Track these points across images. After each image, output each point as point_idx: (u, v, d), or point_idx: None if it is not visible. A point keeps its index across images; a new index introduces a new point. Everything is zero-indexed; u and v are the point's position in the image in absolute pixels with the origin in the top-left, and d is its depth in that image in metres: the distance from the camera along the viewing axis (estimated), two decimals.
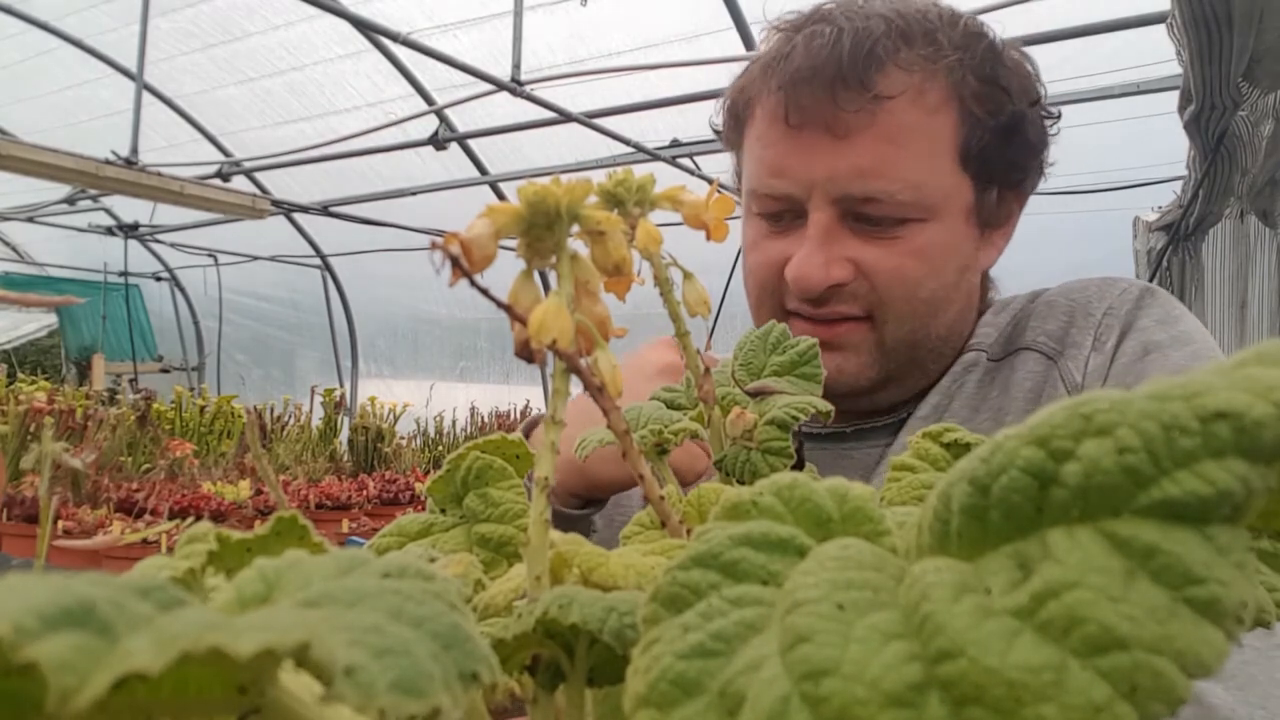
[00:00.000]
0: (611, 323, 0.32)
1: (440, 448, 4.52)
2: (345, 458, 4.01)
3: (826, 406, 0.46)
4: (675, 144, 4.34)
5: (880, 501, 0.25)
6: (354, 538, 2.70)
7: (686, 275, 0.39)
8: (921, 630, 0.17)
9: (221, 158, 5.35)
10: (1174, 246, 2.56)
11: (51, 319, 9.12)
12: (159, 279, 8.12)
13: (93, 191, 5.19)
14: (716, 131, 0.93)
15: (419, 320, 7.51)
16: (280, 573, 0.22)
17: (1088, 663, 0.16)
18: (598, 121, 4.08)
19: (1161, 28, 1.88)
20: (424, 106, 4.72)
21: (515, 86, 3.36)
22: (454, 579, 0.22)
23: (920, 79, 0.74)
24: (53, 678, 0.13)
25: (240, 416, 4.01)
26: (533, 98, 3.57)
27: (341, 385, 6.51)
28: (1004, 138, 0.78)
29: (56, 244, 7.71)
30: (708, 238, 0.37)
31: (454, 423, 4.76)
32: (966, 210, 0.79)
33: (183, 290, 8.19)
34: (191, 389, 4.66)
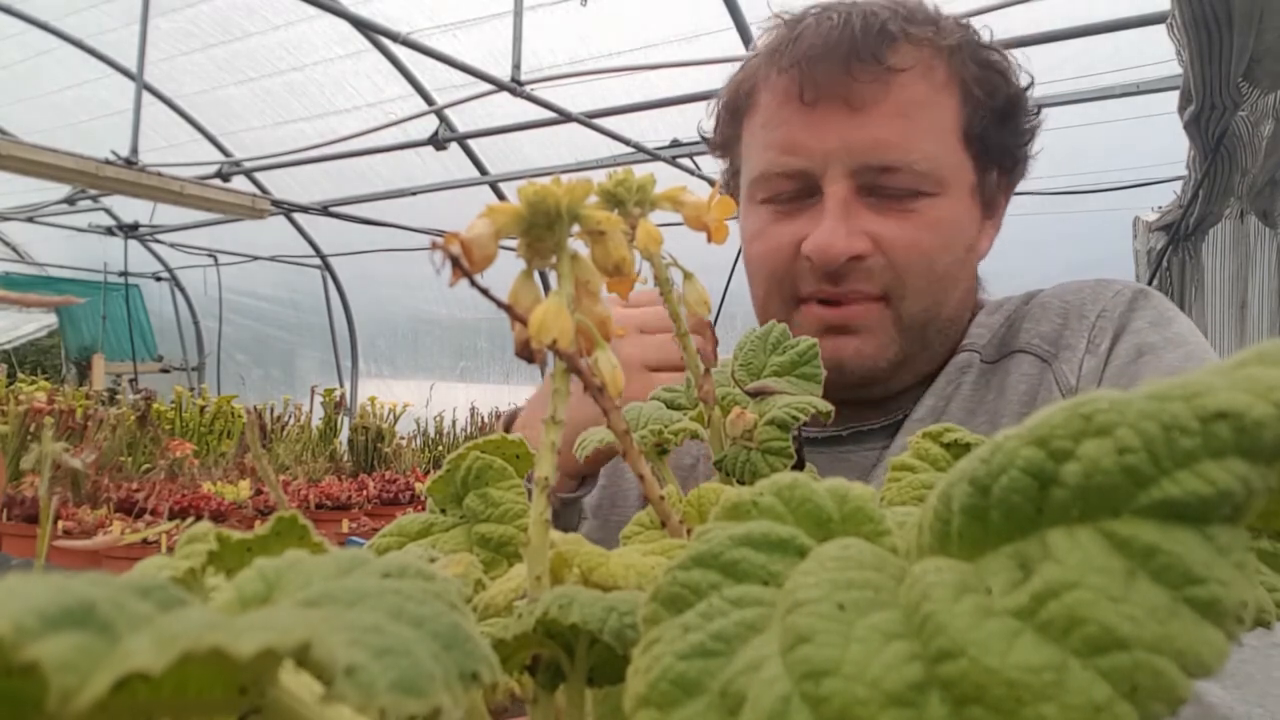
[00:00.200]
0: (612, 323, 0.32)
1: (440, 448, 4.52)
2: (345, 458, 4.01)
3: (826, 407, 0.46)
4: (675, 144, 4.34)
5: (880, 502, 0.25)
6: (354, 538, 2.70)
7: (686, 275, 0.39)
8: (922, 630, 0.17)
9: (221, 158, 5.35)
10: (1174, 247, 2.56)
11: (51, 319, 9.12)
12: (159, 279, 8.12)
13: (93, 191, 5.19)
14: (704, 138, 0.93)
15: (419, 320, 7.51)
16: (280, 573, 0.22)
17: (1088, 662, 0.16)
18: (598, 121, 4.08)
19: (1161, 28, 1.88)
20: (424, 106, 4.72)
21: (515, 86, 3.36)
22: (454, 579, 0.22)
23: (928, 55, 0.77)
24: (54, 678, 0.13)
25: (240, 416, 4.01)
26: (533, 98, 3.58)
27: (341, 385, 6.51)
28: (1001, 121, 0.81)
29: (56, 244, 7.71)
30: (709, 239, 0.37)
31: (454, 423, 4.76)
32: (971, 189, 0.81)
33: (183, 290, 8.19)
34: (191, 389, 4.66)
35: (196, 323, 8.28)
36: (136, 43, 3.79)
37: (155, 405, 3.69)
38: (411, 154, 4.96)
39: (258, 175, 5.90)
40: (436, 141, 4.27)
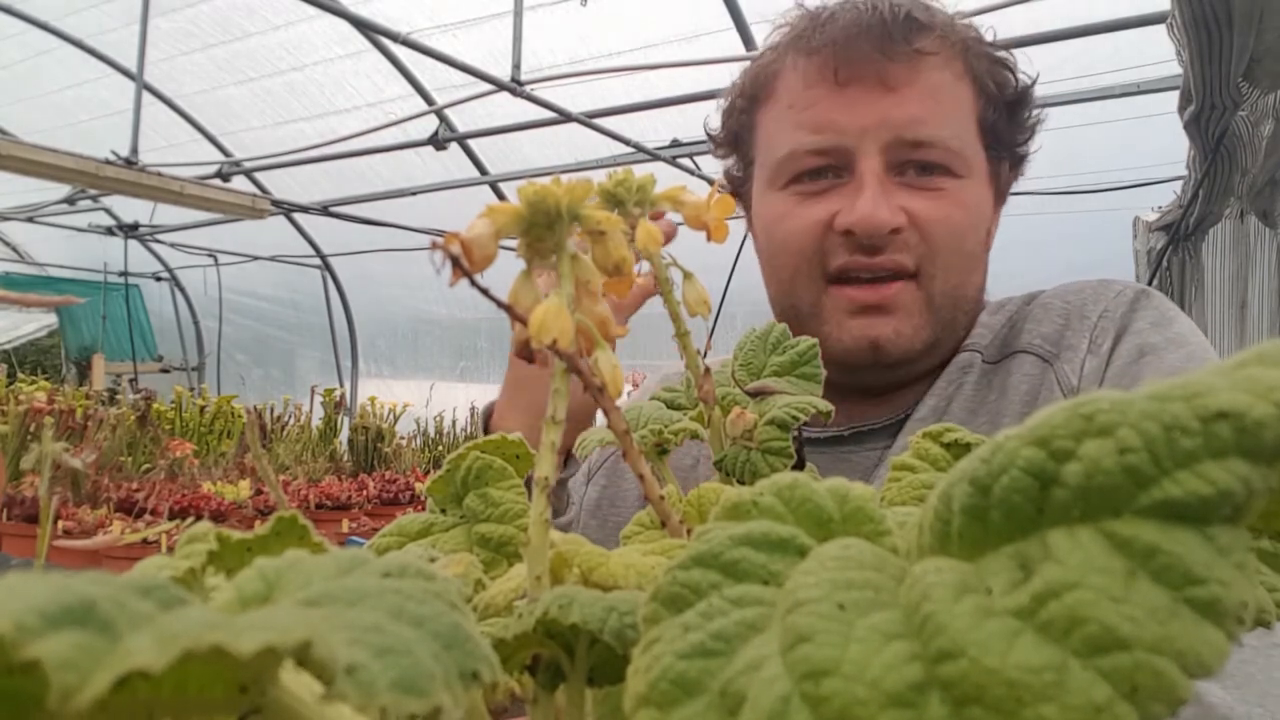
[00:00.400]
0: (612, 323, 0.32)
1: (440, 448, 4.52)
2: (345, 458, 4.01)
3: (827, 406, 0.46)
4: (675, 144, 4.34)
5: (880, 501, 0.25)
6: (354, 538, 2.70)
7: (686, 275, 0.39)
8: (922, 630, 0.17)
9: (221, 158, 5.35)
10: (1174, 246, 2.56)
11: (51, 319, 9.12)
12: (159, 279, 8.12)
13: (93, 191, 5.19)
14: (711, 135, 0.93)
15: (419, 320, 7.51)
16: (280, 572, 0.22)
17: (1089, 663, 0.16)
18: (598, 121, 4.08)
19: (1161, 28, 1.88)
20: (424, 106, 4.72)
21: (515, 86, 3.36)
22: (454, 579, 0.22)
23: (948, 46, 0.80)
24: (54, 676, 0.13)
25: (240, 416, 4.01)
26: (533, 98, 3.57)
27: (341, 385, 6.50)
28: (1010, 114, 0.84)
29: (56, 244, 7.71)
30: (709, 238, 0.37)
31: (454, 423, 4.75)
32: (987, 176, 0.83)
33: (183, 290, 8.19)
34: (191, 389, 4.66)
35: (196, 323, 8.28)
36: (136, 43, 3.79)
37: (155, 405, 3.69)
38: (411, 154, 4.96)
39: (258, 175, 5.90)
40: (436, 141, 4.27)
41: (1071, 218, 4.29)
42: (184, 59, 5.34)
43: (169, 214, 5.66)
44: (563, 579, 0.33)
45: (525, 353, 0.30)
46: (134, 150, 3.64)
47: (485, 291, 0.30)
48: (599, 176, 0.35)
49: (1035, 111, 0.87)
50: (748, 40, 4.05)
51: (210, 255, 7.12)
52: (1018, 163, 0.88)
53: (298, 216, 6.46)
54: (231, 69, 5.39)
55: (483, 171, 5.45)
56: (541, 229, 0.31)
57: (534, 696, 0.30)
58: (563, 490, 0.81)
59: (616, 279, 0.32)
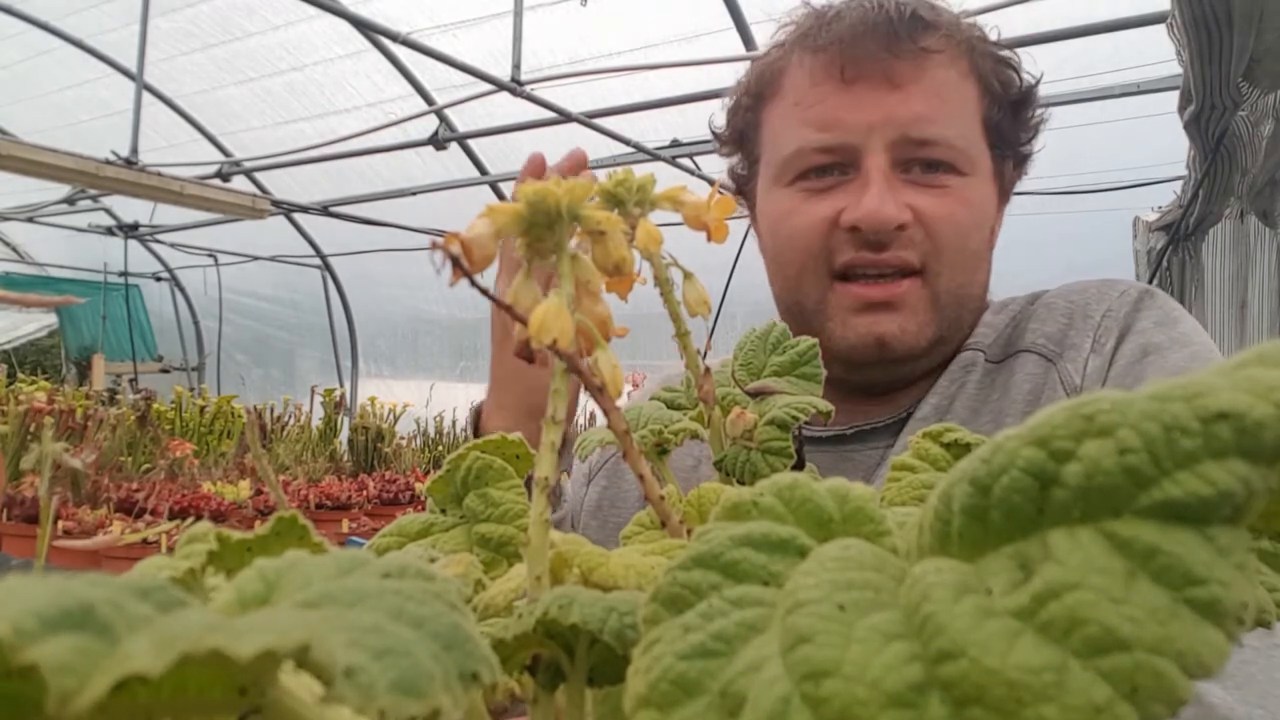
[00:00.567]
0: (612, 322, 0.32)
1: (440, 448, 4.52)
2: (345, 458, 4.01)
3: (826, 406, 0.46)
4: (675, 144, 4.34)
5: (880, 502, 0.25)
6: (354, 538, 2.70)
7: (686, 275, 0.39)
8: (922, 631, 0.17)
9: (221, 158, 5.35)
10: (1174, 246, 2.56)
11: (51, 319, 9.12)
12: (159, 279, 8.12)
13: (93, 191, 5.19)
14: (716, 133, 0.93)
15: (419, 320, 7.51)
16: (280, 573, 0.22)
17: (1089, 663, 0.16)
18: (598, 121, 4.08)
19: (1161, 28, 1.88)
20: (424, 106, 4.72)
21: (515, 86, 3.36)
22: (454, 579, 0.22)
23: (953, 45, 0.80)
24: (53, 680, 0.13)
25: (240, 416, 4.01)
26: (533, 98, 3.57)
27: (341, 385, 6.50)
28: (1014, 112, 0.84)
29: (56, 244, 7.71)
30: (709, 239, 0.37)
31: (454, 423, 4.75)
32: (991, 174, 0.84)
33: (183, 290, 8.19)
34: (191, 389, 4.66)
35: (196, 323, 8.28)
36: (136, 43, 3.79)
37: (155, 405, 3.69)
38: (411, 154, 4.95)
39: (258, 175, 5.90)
40: (436, 141, 4.27)
41: (1071, 218, 4.29)
42: (184, 59, 5.34)
43: (169, 214, 5.66)
44: (563, 579, 0.33)
45: (525, 353, 0.30)
46: (134, 150, 3.64)
47: (485, 291, 0.30)
48: (599, 176, 0.35)
49: (1039, 110, 0.87)
50: (748, 40, 4.05)
51: (210, 255, 7.12)
52: (1021, 161, 0.88)
53: (298, 216, 6.46)
54: (231, 69, 5.39)
55: (483, 171, 5.45)
56: (541, 229, 0.31)
57: (534, 697, 0.30)
58: (556, 489, 0.82)
59: (617, 279, 0.32)
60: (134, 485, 2.85)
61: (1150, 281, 2.56)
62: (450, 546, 0.40)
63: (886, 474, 0.41)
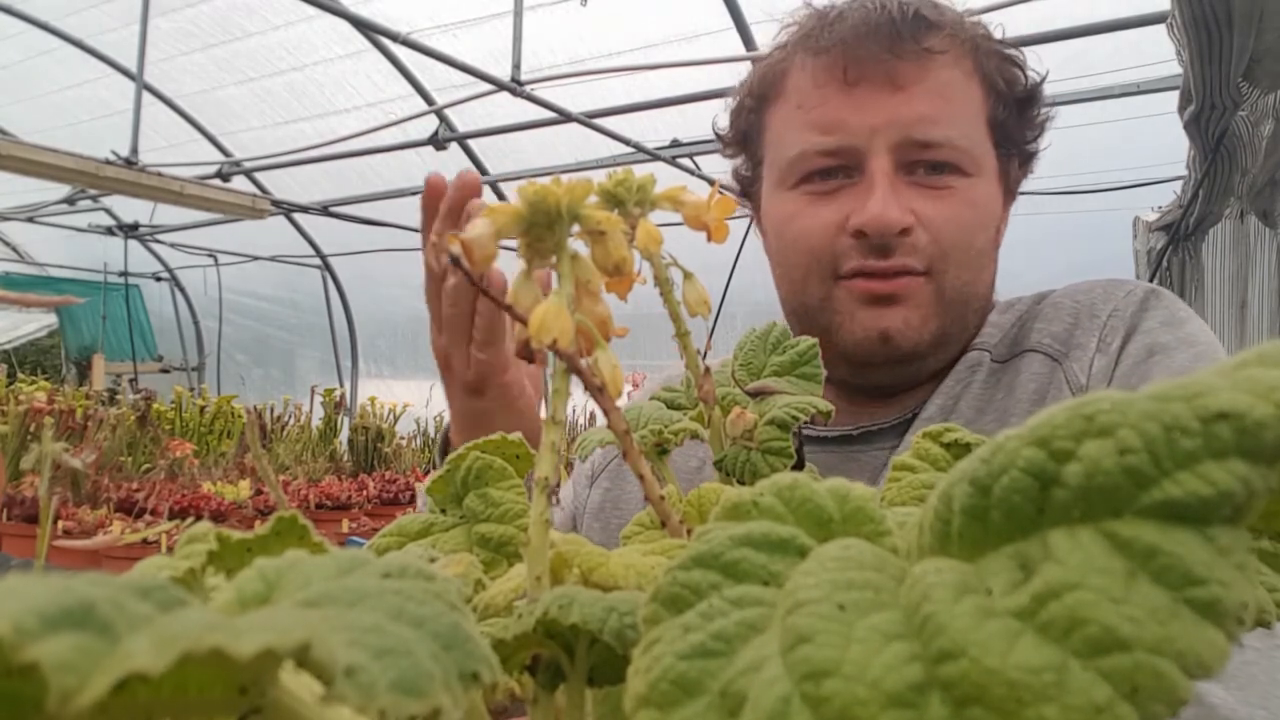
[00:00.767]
0: (612, 322, 0.32)
1: None
2: (345, 458, 4.01)
3: (827, 406, 0.46)
4: (675, 144, 4.34)
5: (881, 502, 0.25)
6: (354, 538, 2.70)
7: (687, 275, 0.39)
8: (923, 631, 0.17)
9: (221, 158, 5.35)
10: (1174, 246, 2.56)
11: (51, 319, 9.12)
12: (159, 279, 8.12)
13: (93, 191, 5.19)
14: (719, 135, 0.93)
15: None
16: (280, 573, 0.22)
17: (1089, 663, 0.16)
18: (598, 121, 4.08)
19: (1161, 28, 1.88)
20: (424, 106, 4.72)
21: (515, 86, 3.36)
22: (454, 579, 0.22)
23: (957, 44, 0.80)
24: (53, 678, 0.13)
25: (240, 416, 4.01)
26: (533, 98, 3.57)
27: (341, 385, 6.50)
28: (1019, 112, 0.84)
29: (56, 244, 7.71)
30: (709, 239, 0.37)
31: None
32: (996, 174, 0.83)
33: (183, 290, 8.19)
34: (191, 389, 4.66)
35: (196, 323, 8.28)
36: (136, 43, 3.79)
37: (155, 405, 3.69)
38: (411, 154, 4.95)
39: (258, 175, 5.90)
40: (436, 141, 4.27)
41: (1071, 218, 4.29)
42: (184, 59, 5.34)
43: (169, 214, 5.66)
44: (563, 579, 0.33)
45: (525, 353, 0.30)
46: (134, 150, 3.64)
47: (485, 291, 0.30)
48: (599, 176, 0.35)
49: (1045, 109, 0.87)
50: (748, 40, 4.05)
51: (210, 255, 7.12)
52: (1027, 160, 0.88)
53: (298, 216, 6.46)
54: (231, 69, 5.39)
55: (483, 171, 5.45)
56: (541, 229, 0.31)
57: (534, 696, 0.30)
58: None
59: (616, 279, 0.32)
60: (134, 485, 2.85)
61: (1150, 281, 2.56)
62: (450, 546, 0.40)
63: None
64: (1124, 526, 0.17)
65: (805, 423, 0.45)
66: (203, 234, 6.63)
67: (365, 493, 3.33)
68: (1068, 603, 0.16)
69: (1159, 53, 2.80)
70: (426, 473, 3.84)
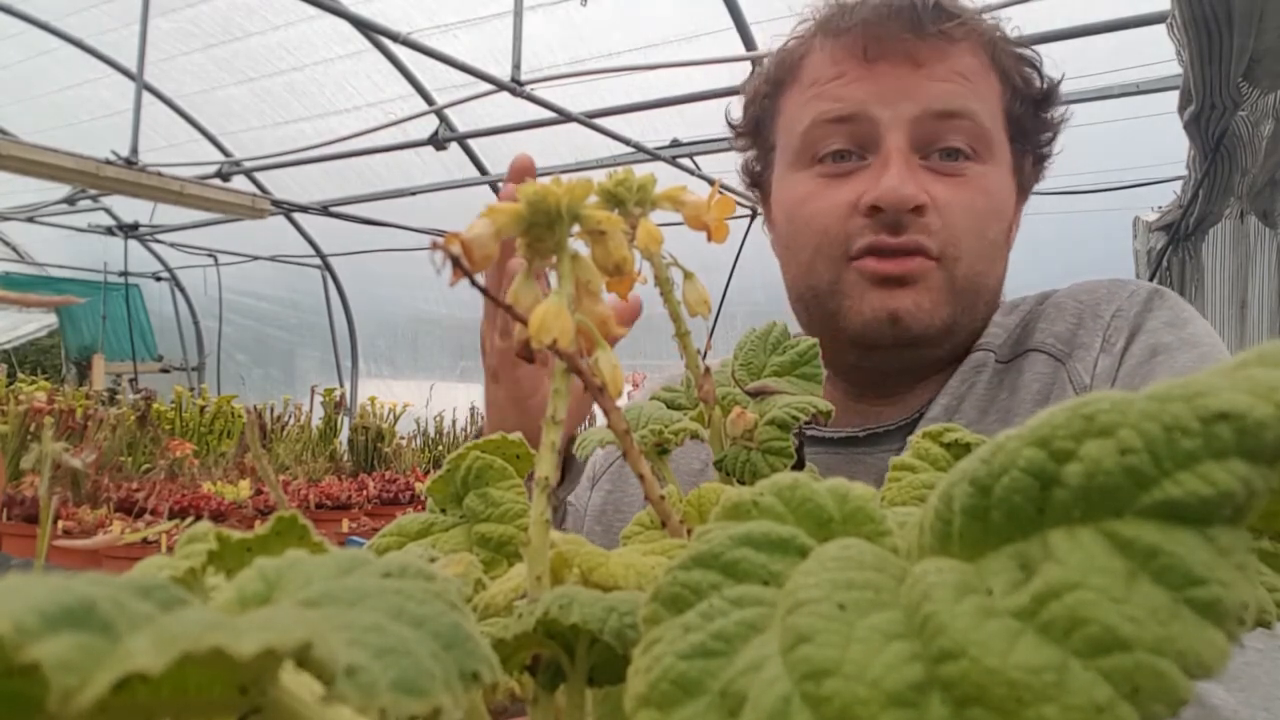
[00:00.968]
0: (613, 323, 0.32)
1: (440, 448, 4.52)
2: (345, 458, 4.01)
3: (827, 406, 0.46)
4: (675, 144, 4.34)
5: (881, 501, 0.25)
6: (354, 538, 2.70)
7: (687, 275, 0.39)
8: (923, 630, 0.17)
9: (221, 158, 5.35)
10: (1174, 246, 2.56)
11: (51, 319, 9.12)
12: (159, 279, 8.12)
13: (93, 191, 5.19)
14: (731, 125, 0.93)
15: (419, 320, 7.51)
16: (280, 572, 0.22)
17: (1089, 663, 0.16)
18: (598, 121, 4.08)
19: (1161, 28, 1.88)
20: (424, 106, 4.72)
21: (515, 86, 3.36)
22: (454, 579, 0.22)
23: (975, 36, 0.80)
24: (54, 678, 0.13)
25: (240, 416, 4.01)
26: (533, 98, 3.57)
27: (341, 385, 6.50)
28: (1036, 109, 0.85)
29: (56, 244, 7.71)
30: (709, 239, 0.37)
31: (454, 423, 4.75)
32: (1010, 167, 0.83)
33: (183, 290, 8.19)
34: (191, 389, 4.66)
35: (196, 323, 8.28)
36: (136, 43, 3.79)
37: (155, 405, 3.69)
38: (411, 154, 4.96)
39: (258, 175, 5.90)
40: (436, 141, 4.28)
41: (1071, 218, 4.29)
42: (184, 59, 5.34)
43: (169, 214, 5.66)
44: (563, 579, 0.33)
45: (525, 353, 0.30)
46: (134, 150, 3.64)
47: (485, 291, 0.30)
48: (599, 176, 0.35)
49: (1061, 111, 0.88)
50: (748, 40, 4.04)
51: (210, 255, 7.12)
52: (1041, 160, 0.88)
53: (298, 216, 6.46)
54: (231, 69, 5.39)
55: (483, 171, 5.45)
56: (541, 229, 0.31)
57: (534, 696, 0.30)
58: (560, 511, 0.80)
59: (616, 279, 0.32)
60: (134, 485, 2.85)
61: (1150, 281, 2.56)
62: (450, 546, 0.40)
63: None
64: (1124, 526, 0.17)
65: (809, 425, 0.45)
66: (203, 234, 6.63)
67: (365, 493, 3.33)
68: (1068, 603, 0.16)
69: (1159, 53, 2.80)
70: (426, 473, 3.85)
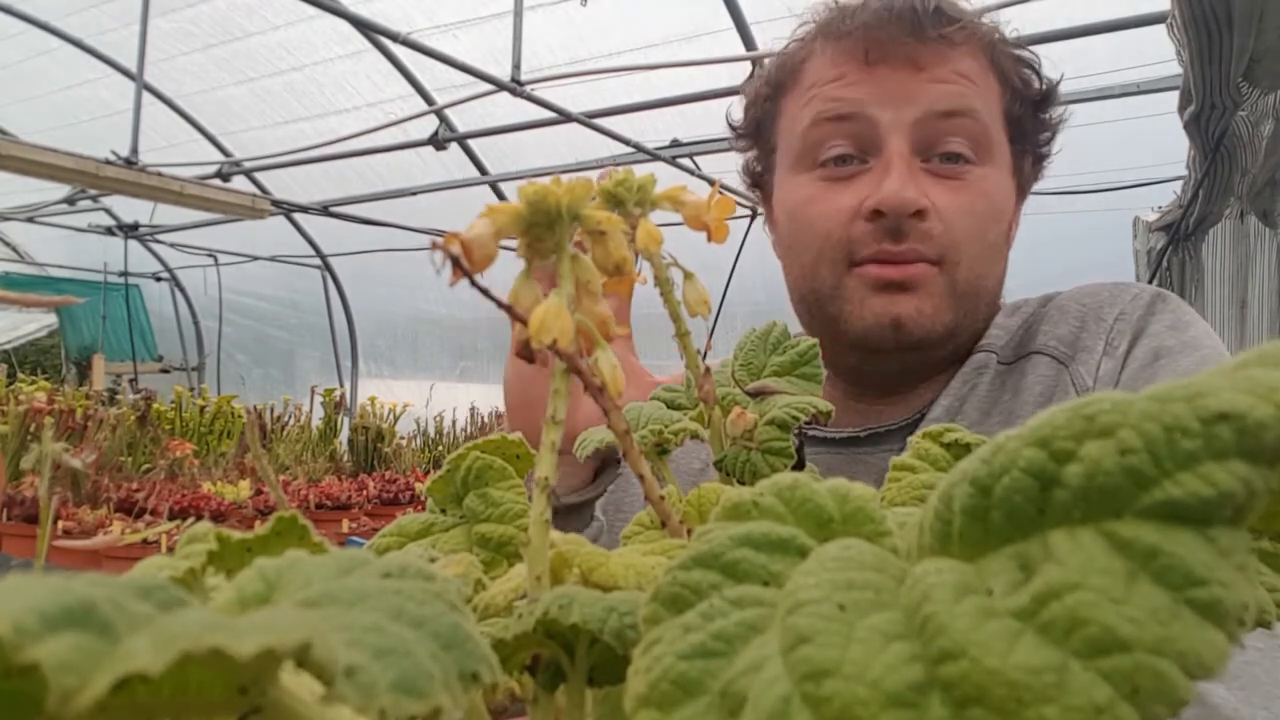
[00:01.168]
0: (613, 323, 0.32)
1: (440, 448, 4.52)
2: (345, 458, 4.01)
3: (827, 406, 0.46)
4: (675, 144, 4.34)
5: (881, 502, 0.25)
6: (354, 538, 2.70)
7: (687, 275, 0.39)
8: (923, 631, 0.17)
9: (221, 158, 5.35)
10: (1174, 246, 2.56)
11: (51, 319, 9.12)
12: (159, 279, 8.12)
13: (93, 191, 5.19)
14: (732, 126, 0.93)
15: (419, 320, 7.51)
16: (280, 573, 0.22)
17: (1089, 664, 0.16)
18: (598, 121, 4.08)
19: (1161, 28, 1.88)
20: (424, 106, 4.72)
21: (515, 86, 3.36)
22: (454, 579, 0.22)
23: (975, 40, 0.81)
24: (54, 678, 0.13)
25: (240, 416, 4.01)
26: (533, 98, 3.57)
27: (341, 385, 6.50)
28: (1035, 110, 0.85)
29: (56, 244, 7.71)
30: (709, 239, 0.37)
31: (454, 423, 4.75)
32: (1010, 168, 0.84)
33: (183, 290, 8.19)
34: (191, 389, 4.66)
35: (196, 323, 8.28)
36: (136, 43, 3.79)
37: (155, 405, 3.69)
38: (411, 154, 4.95)
39: (258, 175, 5.90)
40: (436, 141, 4.28)
41: (1071, 218, 4.29)
42: (184, 59, 5.34)
43: (169, 214, 5.66)
44: (563, 579, 0.33)
45: (525, 352, 0.30)
46: (134, 150, 3.64)
47: (485, 291, 0.30)
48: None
49: (1060, 110, 0.88)
50: (748, 40, 4.04)
51: (210, 255, 7.12)
52: (1040, 160, 0.89)
53: (298, 216, 6.46)
54: (231, 69, 5.39)
55: (483, 171, 5.45)
56: (541, 229, 0.31)
57: (534, 696, 0.30)
58: (588, 510, 0.80)
59: (617, 279, 0.32)
60: (134, 485, 2.85)
61: (1150, 281, 2.56)
62: (450, 546, 0.40)
63: None
64: (1125, 527, 0.17)
65: (809, 425, 0.45)
66: (203, 234, 6.63)
67: (365, 493, 3.33)
68: (1068, 603, 0.16)
69: (1159, 53, 2.80)
70: (426, 473, 3.85)
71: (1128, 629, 0.16)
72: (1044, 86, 0.85)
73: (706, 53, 4.02)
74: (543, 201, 0.30)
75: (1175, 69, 1.98)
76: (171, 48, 5.21)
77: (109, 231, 6.52)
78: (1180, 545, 0.16)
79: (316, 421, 4.20)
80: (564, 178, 0.31)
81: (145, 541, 2.33)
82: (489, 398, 5.66)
